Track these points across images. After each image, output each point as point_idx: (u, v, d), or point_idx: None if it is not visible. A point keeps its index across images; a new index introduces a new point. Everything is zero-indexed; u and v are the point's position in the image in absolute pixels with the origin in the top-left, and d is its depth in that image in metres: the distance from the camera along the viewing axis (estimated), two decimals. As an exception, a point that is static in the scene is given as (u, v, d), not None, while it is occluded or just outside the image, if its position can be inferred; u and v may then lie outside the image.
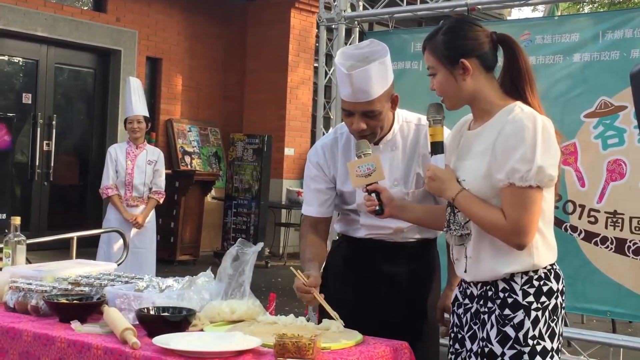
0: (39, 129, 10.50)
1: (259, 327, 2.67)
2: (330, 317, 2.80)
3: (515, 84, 2.64)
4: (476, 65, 2.63)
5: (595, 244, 5.40)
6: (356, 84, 2.91)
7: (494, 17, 12.53)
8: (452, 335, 2.81)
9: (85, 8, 11.12)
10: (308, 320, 2.79)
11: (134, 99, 7.11)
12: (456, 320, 2.79)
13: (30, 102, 10.49)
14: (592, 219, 5.43)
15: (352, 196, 3.18)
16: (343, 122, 3.14)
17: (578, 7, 14.70)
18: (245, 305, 2.81)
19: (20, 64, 10.65)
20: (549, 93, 5.48)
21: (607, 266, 5.36)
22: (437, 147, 2.74)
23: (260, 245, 2.98)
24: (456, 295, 2.82)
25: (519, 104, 2.58)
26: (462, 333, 2.75)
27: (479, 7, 6.31)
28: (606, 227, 5.39)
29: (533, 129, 2.47)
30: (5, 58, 10.38)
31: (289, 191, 11.63)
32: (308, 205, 3.28)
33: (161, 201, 7.21)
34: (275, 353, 2.37)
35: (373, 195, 2.89)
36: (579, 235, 5.44)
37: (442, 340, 3.46)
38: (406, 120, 3.17)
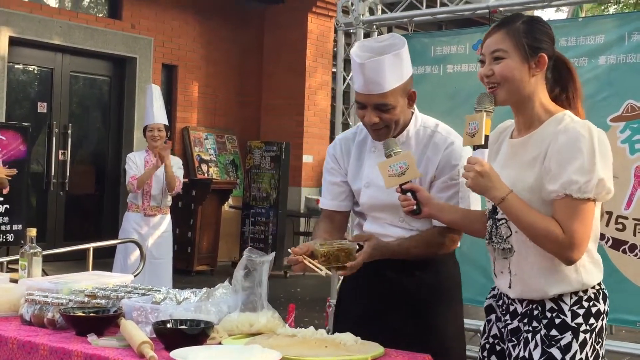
0: (54, 138, 10.47)
1: (278, 340, 2.62)
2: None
3: (570, 99, 2.60)
4: (547, 66, 2.56)
5: (624, 251, 5.27)
6: (368, 75, 2.84)
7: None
8: (488, 346, 2.72)
9: (100, 15, 11.10)
10: (328, 332, 2.72)
11: (155, 106, 7.06)
12: (496, 332, 2.70)
13: (45, 111, 10.46)
14: (620, 226, 5.31)
15: (359, 195, 3.13)
16: None
17: (603, 8, 14.55)
18: (265, 318, 2.76)
19: (35, 72, 10.63)
20: (574, 97, 5.37)
21: (636, 275, 5.23)
22: (487, 141, 2.56)
23: (272, 254, 2.92)
24: (492, 305, 2.73)
25: (568, 113, 2.50)
26: (502, 345, 2.67)
27: (501, 9, 6.21)
28: (634, 235, 5.27)
29: (589, 138, 2.38)
30: (20, 67, 10.36)
31: (307, 199, 11.53)
32: (323, 198, 3.26)
33: (179, 186, 7.07)
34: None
35: (409, 194, 2.80)
36: (606, 243, 5.32)
37: (469, 353, 3.36)
38: (424, 126, 3.08)
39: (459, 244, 3.14)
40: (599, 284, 2.53)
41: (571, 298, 2.47)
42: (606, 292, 2.55)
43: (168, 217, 7.13)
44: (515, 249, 2.54)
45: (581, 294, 2.48)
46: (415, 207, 2.79)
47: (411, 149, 3.01)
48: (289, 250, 2.86)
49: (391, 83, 2.86)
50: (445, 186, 2.97)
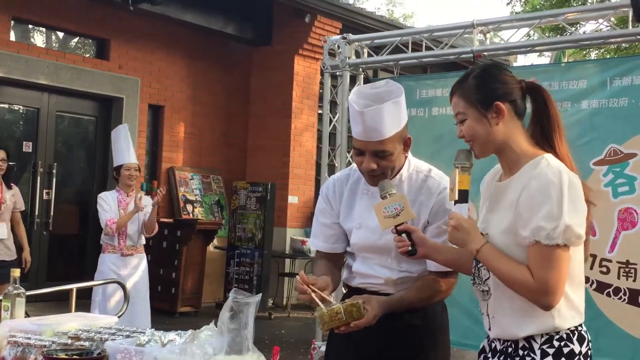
0: (39, 178, 10.42)
1: (265, 382, 2.58)
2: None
3: (546, 134, 2.59)
4: (509, 109, 2.58)
5: (608, 295, 5.29)
6: (368, 123, 2.88)
7: (500, 63, 12.52)
8: None
9: (87, 55, 11.14)
10: None
11: (130, 146, 7.10)
12: None
13: (30, 150, 10.43)
14: (604, 269, 5.33)
15: (350, 235, 3.15)
16: None
17: (584, 53, 14.69)
18: (250, 361, 2.71)
19: (21, 112, 10.62)
20: (557, 140, 5.41)
21: (620, 318, 5.24)
22: (462, 196, 2.64)
23: (259, 296, 2.88)
24: (484, 346, 2.74)
25: (546, 156, 2.51)
26: None
27: (485, 53, 6.28)
28: (619, 278, 5.28)
29: (559, 184, 2.40)
30: (6, 106, 10.35)
31: (292, 240, 11.49)
32: (315, 238, 3.27)
33: (156, 230, 7.12)
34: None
35: (404, 235, 2.82)
36: (591, 285, 5.34)
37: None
38: (416, 170, 3.11)
39: None
40: (577, 326, 2.51)
41: (542, 337, 2.48)
42: (584, 334, 2.53)
43: (144, 256, 7.13)
44: (492, 291, 2.58)
45: (553, 333, 2.48)
46: (410, 248, 2.80)
47: (403, 193, 3.03)
48: (297, 277, 2.88)
49: (390, 130, 2.90)
50: (439, 231, 2.99)
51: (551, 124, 2.59)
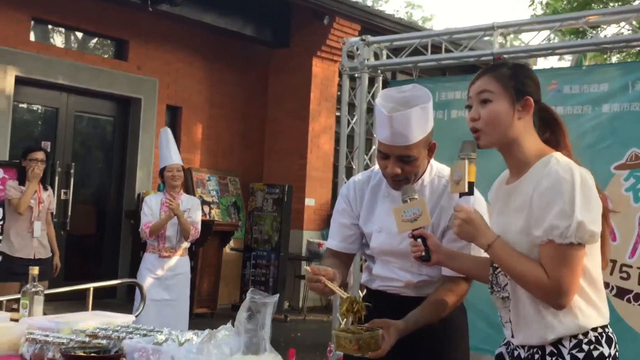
0: (57, 178, 10.45)
1: (281, 383, 2.58)
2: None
3: (556, 136, 2.60)
4: (533, 109, 2.57)
5: (628, 300, 5.23)
6: (395, 127, 2.87)
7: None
8: None
9: (106, 56, 11.17)
10: None
11: (172, 148, 7.12)
12: None
13: (49, 150, 10.45)
14: (624, 275, 5.28)
15: (370, 238, 3.14)
16: None
17: (605, 56, 14.58)
18: (267, 361, 2.70)
19: (40, 111, 10.66)
20: (577, 144, 5.29)
21: (641, 324, 5.18)
22: (470, 188, 2.62)
23: (276, 296, 2.87)
24: (502, 353, 2.69)
25: (555, 154, 2.49)
26: None
27: (505, 56, 6.24)
28: (639, 284, 5.22)
29: (570, 181, 2.36)
30: (25, 106, 10.39)
31: (309, 242, 11.48)
32: (331, 239, 3.26)
33: (194, 233, 7.05)
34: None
35: (419, 240, 2.81)
36: (610, 291, 5.28)
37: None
38: (438, 175, 3.10)
39: None
40: (603, 328, 2.47)
41: (570, 341, 2.43)
42: (612, 336, 2.48)
43: (185, 259, 7.13)
44: (511, 296, 2.54)
45: (581, 337, 2.43)
46: (424, 254, 2.79)
47: (425, 198, 3.02)
48: (307, 268, 2.85)
49: (416, 135, 2.90)
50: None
51: (565, 133, 2.60)
